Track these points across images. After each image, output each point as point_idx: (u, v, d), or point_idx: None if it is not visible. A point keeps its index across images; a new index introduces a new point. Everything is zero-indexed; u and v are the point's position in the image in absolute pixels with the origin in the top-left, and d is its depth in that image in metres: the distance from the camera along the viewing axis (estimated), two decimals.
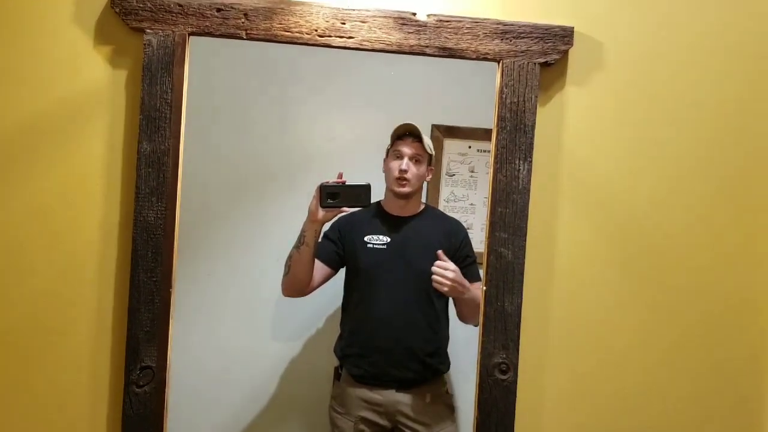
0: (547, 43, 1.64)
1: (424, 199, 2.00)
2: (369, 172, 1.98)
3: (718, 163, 1.76)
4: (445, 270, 1.87)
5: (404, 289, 1.96)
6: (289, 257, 1.92)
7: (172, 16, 1.57)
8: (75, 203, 1.62)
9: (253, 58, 1.88)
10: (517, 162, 1.64)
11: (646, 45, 1.73)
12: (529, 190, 1.64)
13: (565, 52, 1.66)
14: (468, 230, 1.97)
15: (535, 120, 1.64)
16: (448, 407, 1.98)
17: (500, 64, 1.64)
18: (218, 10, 1.58)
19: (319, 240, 1.91)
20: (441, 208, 1.98)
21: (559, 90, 1.71)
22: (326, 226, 1.91)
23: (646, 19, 1.73)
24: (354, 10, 1.61)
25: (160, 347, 1.59)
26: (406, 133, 1.96)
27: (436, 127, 1.97)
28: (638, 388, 1.77)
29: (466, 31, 1.63)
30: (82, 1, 1.61)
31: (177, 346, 1.64)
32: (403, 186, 1.97)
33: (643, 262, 1.76)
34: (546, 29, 1.64)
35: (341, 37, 1.61)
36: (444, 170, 1.97)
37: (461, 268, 1.95)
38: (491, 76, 1.67)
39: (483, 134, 1.87)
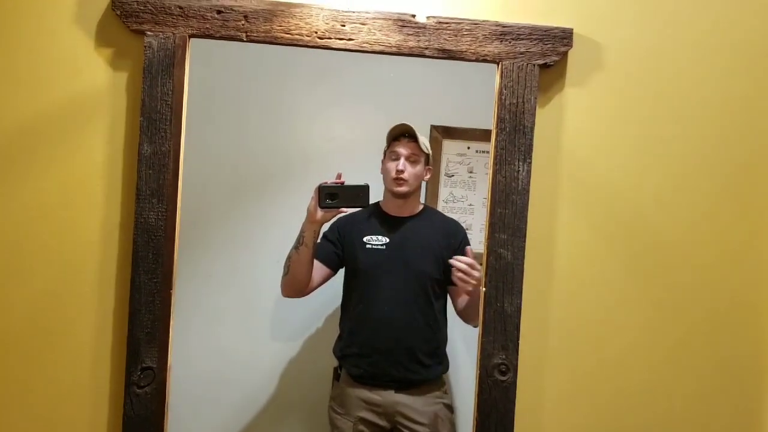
0: (546, 44, 1.64)
1: (423, 200, 2.00)
2: (368, 172, 1.98)
3: (720, 163, 1.76)
4: (473, 269, 1.86)
5: (403, 290, 1.96)
6: (288, 258, 1.92)
7: (173, 18, 1.57)
8: (76, 204, 1.63)
9: (252, 59, 1.88)
10: (516, 163, 1.64)
11: (645, 46, 1.73)
12: (528, 191, 1.65)
13: (565, 54, 1.67)
14: (467, 231, 1.97)
15: (534, 121, 1.64)
16: (446, 408, 1.98)
17: (499, 65, 1.64)
18: (218, 12, 1.58)
19: (318, 240, 1.91)
20: (440, 208, 1.99)
21: (558, 91, 1.72)
22: (325, 227, 1.92)
23: (645, 20, 1.73)
24: (354, 12, 1.61)
25: (161, 348, 1.60)
26: (401, 134, 1.96)
27: (434, 128, 1.98)
28: (638, 389, 1.77)
29: (465, 32, 1.63)
30: (83, 3, 1.61)
31: (176, 346, 1.64)
32: (401, 186, 1.97)
33: (643, 262, 1.76)
34: (545, 31, 1.65)
35: (341, 39, 1.62)
36: (443, 171, 1.98)
37: None
38: (490, 76, 1.67)
39: (482, 135, 1.87)
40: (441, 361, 1.98)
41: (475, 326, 1.71)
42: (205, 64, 1.66)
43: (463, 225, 1.97)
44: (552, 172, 1.72)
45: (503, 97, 1.64)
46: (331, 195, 1.86)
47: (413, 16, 1.63)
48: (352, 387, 1.95)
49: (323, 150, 1.98)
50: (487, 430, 1.66)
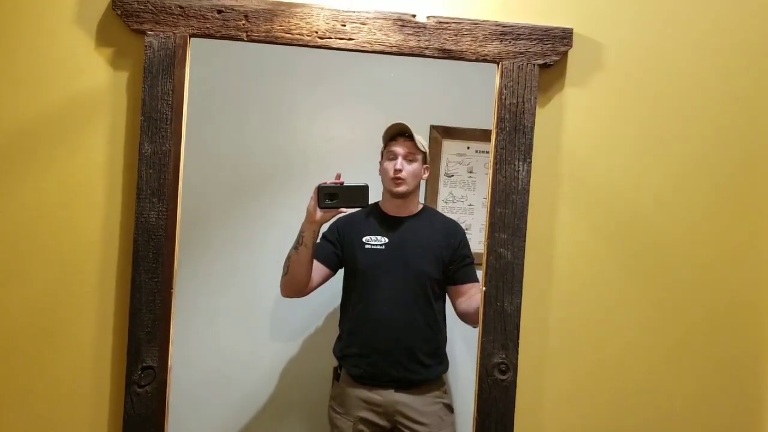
0: (546, 44, 1.65)
1: (422, 200, 2.00)
2: (367, 172, 1.98)
3: (720, 163, 1.77)
4: None
5: (403, 290, 1.96)
6: (288, 258, 1.92)
7: (173, 17, 1.57)
8: (76, 204, 1.63)
9: (252, 59, 1.88)
10: (516, 163, 1.64)
11: (645, 46, 1.74)
12: (528, 191, 1.65)
13: (565, 54, 1.67)
14: (466, 231, 1.97)
15: (534, 121, 1.65)
16: (446, 407, 1.98)
17: (499, 65, 1.65)
18: (219, 11, 1.58)
19: (318, 241, 1.92)
20: (439, 208, 1.99)
21: (558, 91, 1.72)
22: (325, 227, 1.92)
23: (645, 20, 1.73)
24: (354, 12, 1.61)
25: (162, 347, 1.60)
26: (398, 133, 1.97)
27: (434, 128, 1.98)
28: (638, 388, 1.78)
29: (465, 32, 1.63)
30: (84, 2, 1.61)
31: (176, 346, 1.64)
32: (400, 185, 1.97)
33: (643, 261, 1.76)
34: (545, 31, 1.65)
35: (341, 39, 1.62)
36: (442, 171, 1.98)
37: (459, 269, 1.96)
38: (490, 76, 1.67)
39: (481, 135, 1.88)
40: (441, 361, 1.98)
41: (476, 327, 1.71)
42: (205, 64, 1.66)
43: (463, 225, 1.97)
44: (552, 171, 1.73)
45: (503, 97, 1.64)
46: (330, 195, 1.86)
47: (413, 16, 1.63)
48: (352, 387, 1.95)
49: (323, 150, 1.98)
50: (487, 429, 1.66)
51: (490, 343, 1.66)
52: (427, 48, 1.63)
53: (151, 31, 1.57)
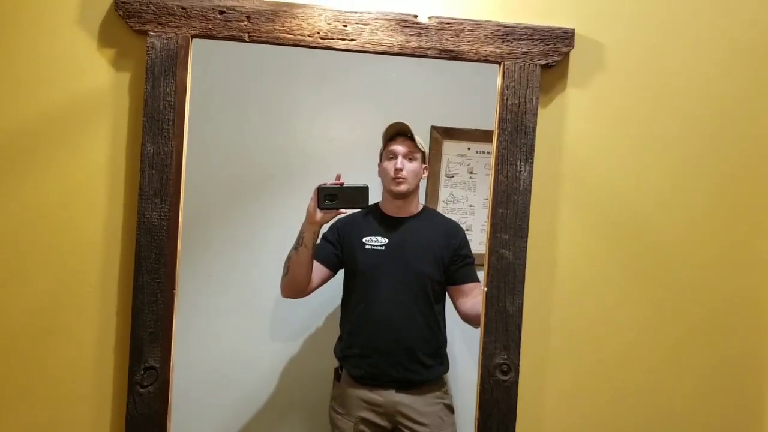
0: (548, 44, 1.65)
1: (423, 201, 2.01)
2: (367, 173, 1.99)
3: (721, 163, 1.77)
4: None
5: (403, 290, 1.97)
6: (288, 258, 1.92)
7: (175, 18, 1.57)
8: (78, 205, 1.62)
9: (253, 60, 1.88)
10: (518, 163, 1.64)
11: (646, 47, 1.74)
12: (530, 192, 1.65)
13: (566, 54, 1.67)
14: (467, 231, 1.98)
15: (536, 121, 1.65)
16: (447, 408, 1.99)
17: (501, 65, 1.65)
18: (221, 12, 1.58)
19: (318, 241, 1.92)
20: (440, 209, 1.99)
21: (560, 91, 1.72)
22: (325, 228, 1.92)
23: (646, 20, 1.73)
24: (356, 12, 1.61)
25: (164, 348, 1.60)
26: (397, 133, 1.97)
27: (435, 129, 1.98)
28: (640, 389, 1.78)
29: (467, 33, 1.63)
30: (86, 3, 1.61)
31: (177, 346, 1.64)
32: (401, 184, 1.97)
33: (645, 262, 1.77)
34: (547, 31, 1.65)
35: (343, 39, 1.62)
36: (443, 172, 1.98)
37: (459, 269, 1.96)
38: (490, 77, 1.67)
39: (482, 135, 1.89)
40: (441, 361, 1.99)
41: (478, 327, 1.71)
42: (206, 64, 1.66)
43: (463, 226, 1.98)
44: (554, 172, 1.73)
45: (505, 98, 1.64)
46: (330, 196, 1.86)
47: (415, 16, 1.63)
48: (353, 387, 1.96)
49: (323, 150, 1.98)
50: (489, 429, 1.66)
51: (492, 343, 1.66)
52: (428, 48, 1.63)
53: (153, 32, 1.56)
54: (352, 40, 1.62)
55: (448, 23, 1.63)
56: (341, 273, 1.99)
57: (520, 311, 1.66)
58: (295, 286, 1.95)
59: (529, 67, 1.65)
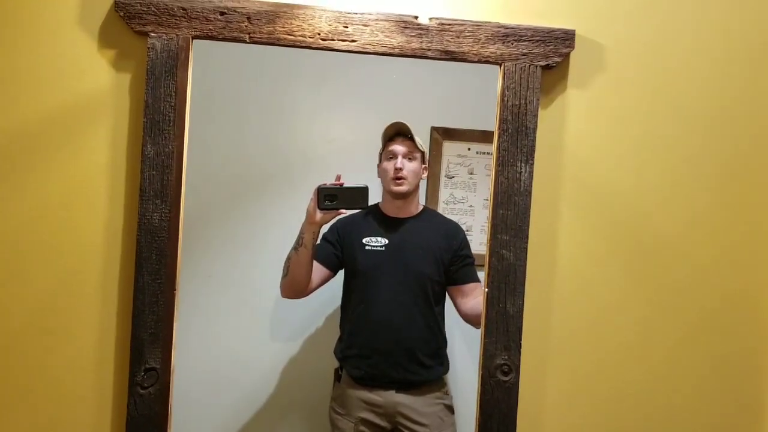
0: (548, 45, 1.65)
1: (423, 201, 2.01)
2: (367, 173, 1.99)
3: (720, 163, 1.76)
4: None
5: (403, 291, 1.97)
6: (288, 259, 1.93)
7: (176, 19, 1.57)
8: (79, 206, 1.62)
9: (253, 61, 1.88)
10: (518, 164, 1.64)
11: (647, 48, 1.74)
12: (530, 192, 1.65)
13: (567, 55, 1.67)
14: (467, 232, 1.98)
15: (536, 122, 1.64)
16: (447, 408, 1.99)
17: (502, 67, 1.65)
18: (221, 13, 1.58)
19: (318, 242, 1.92)
20: (440, 210, 1.99)
21: (560, 92, 1.72)
22: (325, 228, 1.92)
23: (647, 21, 1.73)
24: (356, 13, 1.61)
25: (164, 349, 1.60)
26: (396, 133, 1.97)
27: (435, 129, 1.98)
28: (639, 389, 1.78)
29: (467, 34, 1.63)
30: (87, 4, 1.61)
31: (177, 347, 1.64)
32: (401, 184, 1.97)
33: (645, 262, 1.77)
34: (547, 32, 1.65)
35: (344, 40, 1.61)
36: (443, 172, 1.98)
37: (459, 270, 1.96)
38: (490, 78, 1.67)
39: (482, 136, 1.89)
40: (441, 362, 1.99)
41: (479, 328, 1.71)
42: (207, 65, 1.66)
43: (464, 226, 1.98)
44: (554, 173, 1.73)
45: (505, 99, 1.64)
46: (330, 196, 1.86)
47: (416, 17, 1.63)
48: (353, 388, 1.96)
49: (323, 151, 1.98)
50: (490, 430, 1.66)
51: (493, 344, 1.66)
52: (429, 50, 1.63)
53: (154, 33, 1.56)
54: (353, 41, 1.62)
55: (449, 24, 1.63)
56: (341, 273, 1.99)
57: (520, 312, 1.66)
58: (295, 286, 1.95)
59: (529, 68, 1.65)
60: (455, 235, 1.98)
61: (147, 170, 1.57)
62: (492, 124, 1.67)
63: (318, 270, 1.96)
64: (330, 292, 1.98)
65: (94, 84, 1.62)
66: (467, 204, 1.98)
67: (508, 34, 1.64)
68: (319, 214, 1.88)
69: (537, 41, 1.65)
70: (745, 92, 1.77)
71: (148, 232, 1.57)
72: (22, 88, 1.60)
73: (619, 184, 1.74)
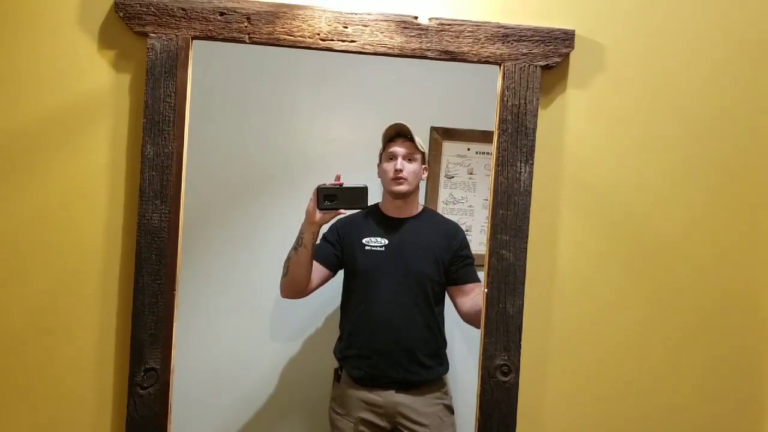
0: (548, 46, 1.65)
1: (422, 201, 2.01)
2: (367, 173, 1.99)
3: (720, 163, 1.77)
4: None
5: (403, 291, 1.96)
6: (288, 259, 1.92)
7: (176, 20, 1.57)
8: (79, 206, 1.62)
9: (253, 61, 1.88)
10: (518, 164, 1.64)
11: (646, 47, 1.74)
12: (530, 193, 1.65)
13: (567, 55, 1.67)
14: (467, 232, 1.97)
15: (536, 122, 1.65)
16: (446, 408, 1.98)
17: (501, 67, 1.65)
18: (221, 14, 1.58)
19: (318, 242, 1.92)
20: (440, 210, 1.99)
21: (560, 93, 1.72)
22: (325, 228, 1.92)
23: (647, 21, 1.73)
24: (356, 14, 1.61)
25: (164, 349, 1.60)
26: (396, 134, 1.97)
27: (434, 129, 1.98)
28: (639, 388, 1.78)
29: (467, 34, 1.63)
30: (86, 5, 1.61)
31: (177, 347, 1.64)
32: (401, 184, 1.97)
33: (646, 262, 1.77)
34: (547, 32, 1.65)
35: (343, 40, 1.62)
36: (443, 172, 1.98)
37: (459, 270, 1.96)
38: (490, 78, 1.67)
39: (482, 136, 1.88)
40: (441, 362, 1.98)
41: (479, 328, 1.71)
42: (206, 66, 1.66)
43: (463, 226, 1.97)
44: (554, 173, 1.73)
45: (505, 99, 1.64)
46: (329, 196, 1.86)
47: (415, 17, 1.63)
48: (353, 388, 1.96)
49: (323, 151, 1.98)
50: (490, 430, 1.66)
51: (492, 344, 1.66)
52: (429, 50, 1.63)
53: (154, 33, 1.57)
54: (353, 41, 1.62)
55: (449, 24, 1.63)
56: (341, 273, 1.99)
57: (520, 312, 1.66)
58: (295, 286, 1.95)
59: (529, 69, 1.65)
60: (455, 235, 1.98)
61: (147, 170, 1.57)
62: (492, 124, 1.67)
63: (318, 270, 1.96)
64: (330, 292, 1.98)
65: (94, 84, 1.62)
66: (467, 204, 1.98)
67: (507, 34, 1.64)
68: (318, 214, 1.87)
69: (537, 41, 1.65)
70: (745, 92, 1.77)
71: (148, 232, 1.57)
72: (22, 88, 1.60)
73: (619, 184, 1.74)
